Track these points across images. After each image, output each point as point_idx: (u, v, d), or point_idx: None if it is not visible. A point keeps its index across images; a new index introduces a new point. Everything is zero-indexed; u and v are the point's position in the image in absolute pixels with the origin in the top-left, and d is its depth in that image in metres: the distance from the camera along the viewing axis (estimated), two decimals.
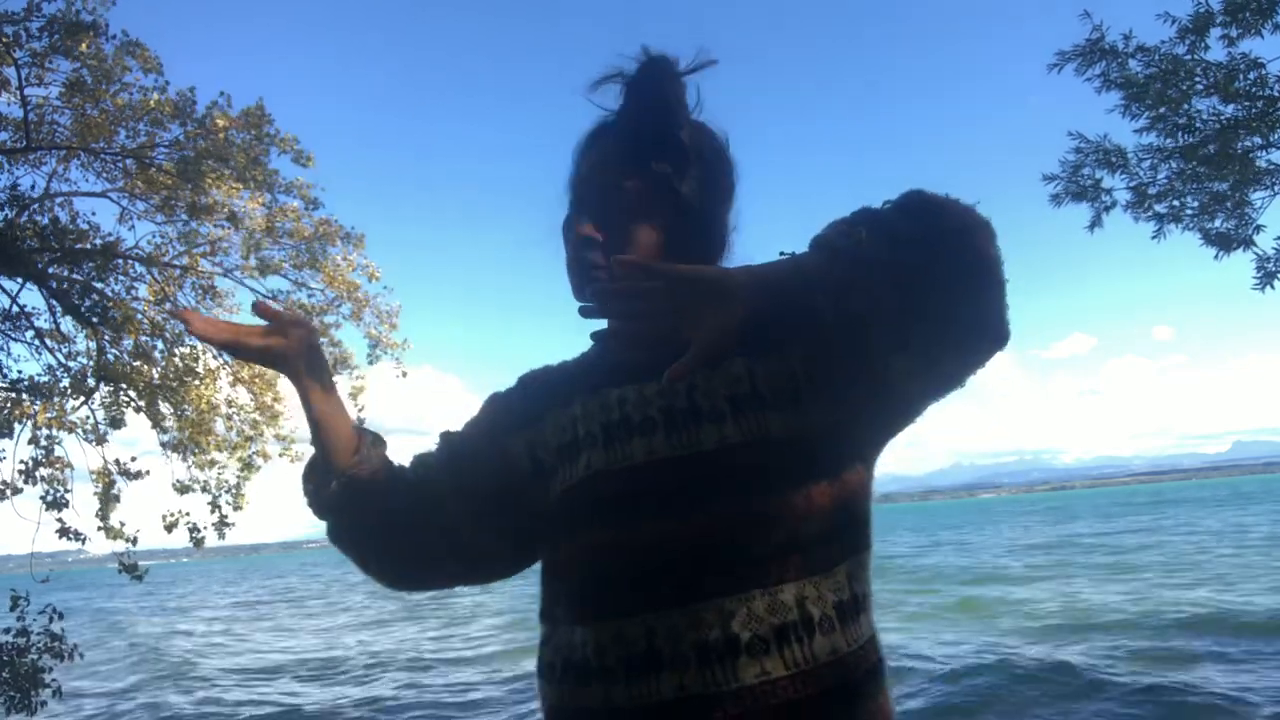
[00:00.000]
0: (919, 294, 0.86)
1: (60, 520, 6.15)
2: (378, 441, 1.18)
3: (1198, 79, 5.13)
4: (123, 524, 6.64)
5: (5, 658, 6.14)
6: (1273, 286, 5.25)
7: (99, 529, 6.56)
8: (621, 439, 1.01)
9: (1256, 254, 5.38)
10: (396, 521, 1.14)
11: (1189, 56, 5.15)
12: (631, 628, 0.95)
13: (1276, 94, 5.03)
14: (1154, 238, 5.71)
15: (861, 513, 1.02)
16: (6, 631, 6.30)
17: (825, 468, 0.98)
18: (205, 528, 7.02)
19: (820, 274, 0.89)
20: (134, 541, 6.67)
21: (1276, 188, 5.40)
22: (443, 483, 1.15)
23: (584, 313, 0.98)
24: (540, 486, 1.09)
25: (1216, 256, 5.55)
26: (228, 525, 7.08)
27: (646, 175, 1.03)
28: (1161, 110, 5.23)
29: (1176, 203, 5.61)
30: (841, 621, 0.96)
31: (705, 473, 0.96)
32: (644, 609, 0.95)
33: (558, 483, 1.06)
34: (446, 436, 1.20)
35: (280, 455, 7.37)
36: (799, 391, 0.99)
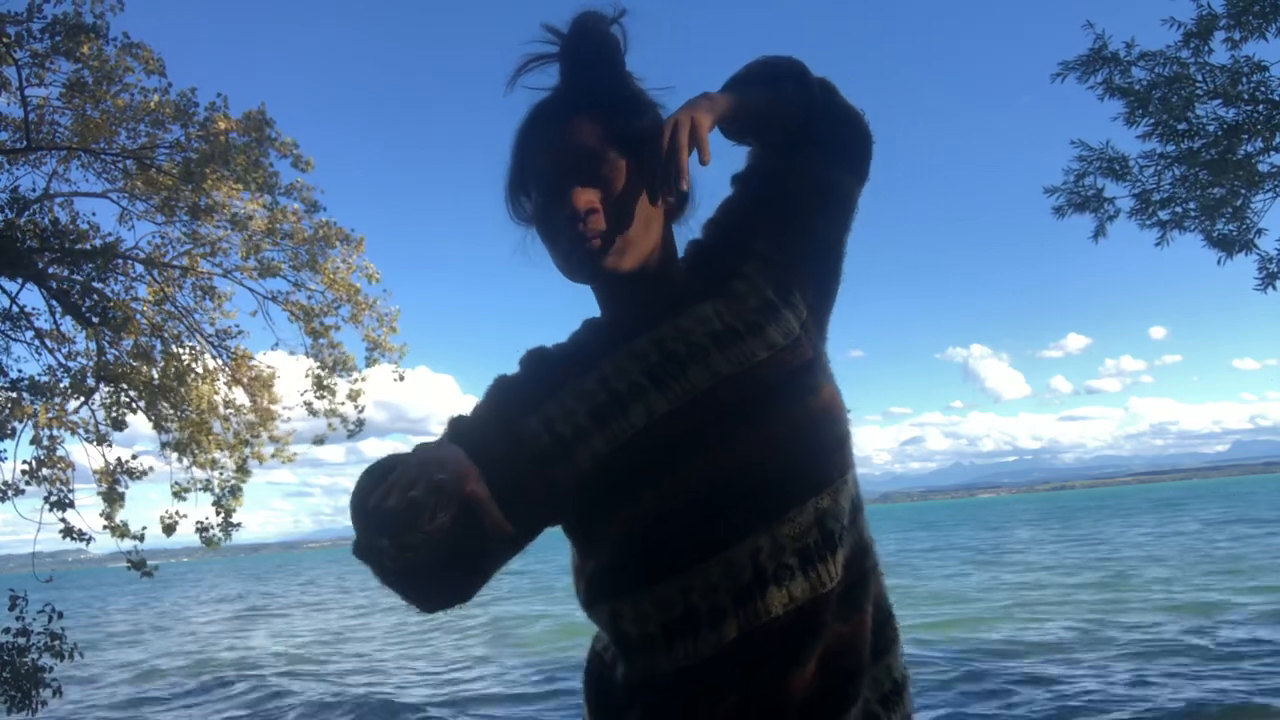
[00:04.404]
0: (818, 109, 1.12)
1: (64, 520, 6.16)
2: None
3: (1199, 84, 5.13)
4: (125, 523, 6.67)
5: (5, 657, 6.14)
6: (1275, 287, 5.26)
7: (104, 528, 6.58)
8: (675, 374, 0.98)
9: (1259, 255, 5.38)
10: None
11: (1192, 60, 5.15)
12: (739, 556, 0.91)
13: (1278, 98, 5.03)
14: (1158, 244, 5.71)
15: None
16: (6, 631, 6.31)
17: (822, 347, 1.10)
18: (212, 527, 7.03)
19: (764, 93, 1.10)
20: (141, 539, 6.69)
21: (1278, 191, 5.40)
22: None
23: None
24: (563, 460, 0.99)
25: (1220, 261, 5.55)
26: (234, 526, 7.08)
27: (614, 131, 1.02)
28: (1164, 117, 5.22)
29: (1179, 209, 5.61)
30: (857, 491, 1.05)
31: (769, 380, 0.98)
32: (751, 531, 0.92)
33: (597, 445, 0.97)
34: (455, 424, 1.06)
35: (273, 457, 7.38)
36: (789, 281, 1.08)
